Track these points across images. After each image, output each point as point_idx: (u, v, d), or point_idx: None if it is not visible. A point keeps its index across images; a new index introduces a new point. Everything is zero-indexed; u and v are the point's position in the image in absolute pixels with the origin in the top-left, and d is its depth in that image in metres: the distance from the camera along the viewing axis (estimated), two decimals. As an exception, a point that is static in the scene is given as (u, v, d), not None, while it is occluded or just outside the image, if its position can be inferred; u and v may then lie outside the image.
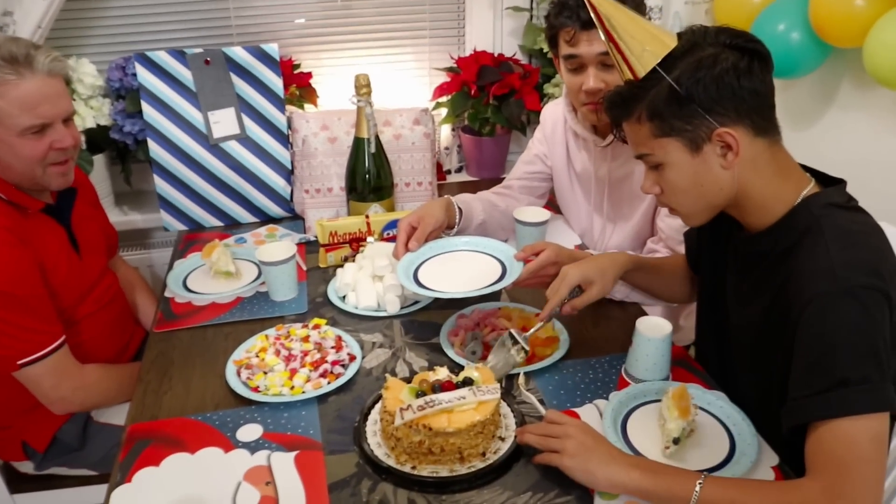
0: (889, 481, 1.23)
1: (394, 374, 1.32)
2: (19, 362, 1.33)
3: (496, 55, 2.31)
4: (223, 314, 1.51)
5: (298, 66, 2.28)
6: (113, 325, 1.60)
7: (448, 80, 2.30)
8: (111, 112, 2.07)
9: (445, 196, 1.62)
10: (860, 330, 0.95)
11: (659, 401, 1.16)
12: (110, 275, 1.64)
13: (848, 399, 0.94)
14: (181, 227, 1.96)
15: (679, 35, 1.06)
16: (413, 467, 1.08)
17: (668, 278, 1.43)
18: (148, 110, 1.89)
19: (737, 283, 1.21)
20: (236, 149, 1.93)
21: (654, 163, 1.09)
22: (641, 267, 1.37)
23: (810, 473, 0.96)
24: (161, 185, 1.92)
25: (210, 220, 1.96)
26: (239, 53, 1.93)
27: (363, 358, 1.36)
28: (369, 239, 1.67)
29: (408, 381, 1.15)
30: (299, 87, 2.21)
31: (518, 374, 1.22)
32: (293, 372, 1.28)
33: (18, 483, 1.57)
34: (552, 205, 1.89)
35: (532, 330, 1.27)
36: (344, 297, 1.55)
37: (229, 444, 1.15)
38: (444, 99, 2.31)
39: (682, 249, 1.49)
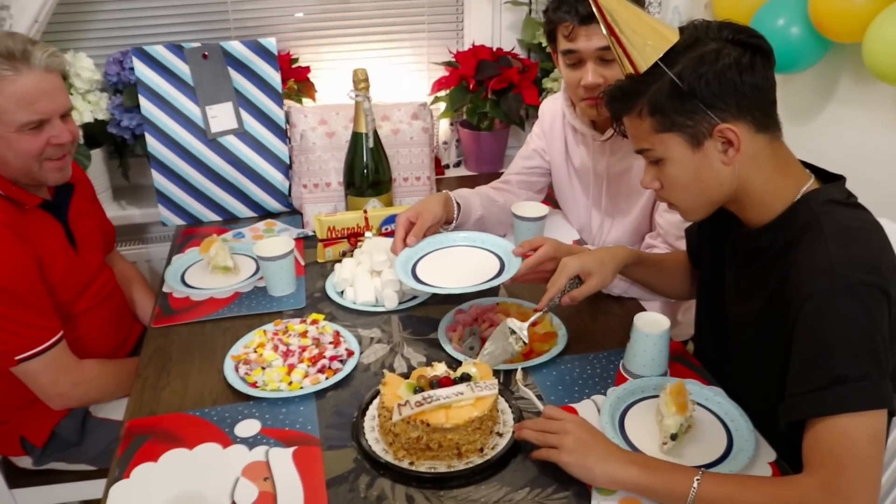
0: (886, 476, 1.23)
1: (392, 369, 1.32)
2: (17, 358, 1.33)
3: (495, 49, 2.31)
4: (221, 309, 1.51)
5: (296, 60, 2.27)
6: (111, 321, 1.60)
7: (446, 74, 2.30)
8: (109, 107, 2.07)
9: (444, 191, 1.61)
10: (859, 327, 0.95)
11: (657, 396, 1.17)
12: (108, 270, 1.63)
13: (846, 396, 0.94)
14: (179, 221, 1.95)
15: (681, 29, 1.06)
16: (411, 463, 1.08)
17: (668, 274, 1.43)
18: (145, 105, 1.89)
19: (736, 279, 1.21)
20: (234, 143, 1.93)
21: (654, 158, 1.09)
22: (641, 262, 1.37)
23: (807, 470, 0.96)
24: (159, 180, 1.91)
25: (208, 215, 1.96)
26: (237, 48, 1.93)
27: (361, 353, 1.36)
28: (367, 234, 1.67)
29: (406, 376, 1.15)
30: (297, 82, 2.21)
31: (516, 369, 1.23)
32: (291, 367, 1.28)
33: (17, 478, 1.57)
34: (550, 200, 1.89)
35: (530, 319, 1.27)
36: (342, 292, 1.55)
37: (227, 439, 1.15)
38: (442, 93, 2.31)
39: (680, 244, 1.50)
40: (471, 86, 2.24)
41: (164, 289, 1.60)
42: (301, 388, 1.25)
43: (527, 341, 1.25)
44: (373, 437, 1.14)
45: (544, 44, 2.16)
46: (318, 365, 1.29)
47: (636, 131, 1.10)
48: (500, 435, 1.13)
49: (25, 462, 1.56)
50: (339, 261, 1.63)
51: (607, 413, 1.15)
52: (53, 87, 1.37)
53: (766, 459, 1.08)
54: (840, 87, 1.79)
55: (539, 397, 1.20)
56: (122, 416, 1.23)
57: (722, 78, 1.00)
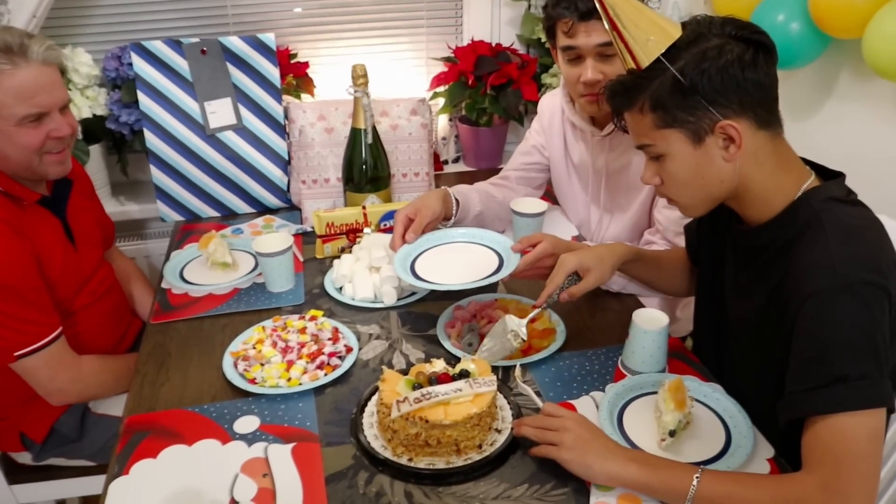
0: (884, 473, 1.23)
1: (390, 365, 1.32)
2: (16, 354, 1.33)
3: (494, 45, 2.31)
4: (220, 305, 1.51)
5: (295, 55, 2.27)
6: (110, 317, 1.60)
7: (445, 70, 2.29)
8: (107, 102, 2.06)
9: (442, 187, 1.61)
10: (859, 326, 0.95)
11: (655, 393, 1.17)
12: (106, 266, 1.63)
13: (845, 395, 0.94)
14: (178, 217, 1.95)
15: (683, 25, 1.05)
16: (410, 459, 1.08)
17: (667, 271, 1.42)
18: (144, 100, 1.88)
19: (735, 276, 1.21)
20: (233, 139, 1.92)
21: (655, 153, 1.09)
22: (640, 258, 1.37)
23: (806, 468, 0.96)
24: (157, 176, 1.91)
25: (207, 211, 1.96)
26: (235, 43, 1.92)
27: (360, 349, 1.36)
28: (366, 230, 1.67)
29: (404, 372, 1.15)
30: (296, 77, 2.20)
31: (515, 365, 1.23)
32: (290, 363, 1.28)
33: (16, 474, 1.57)
34: (549, 196, 1.89)
35: (529, 316, 1.27)
36: (341, 288, 1.55)
37: (226, 435, 1.15)
38: (441, 89, 2.31)
39: (679, 241, 1.49)
40: (470, 81, 2.23)
41: (163, 285, 1.60)
42: (300, 384, 1.25)
43: (525, 338, 1.25)
44: (371, 433, 1.14)
45: (543, 39, 2.15)
46: (317, 361, 1.29)
47: (637, 127, 1.09)
48: (499, 431, 1.13)
49: (25, 458, 1.56)
50: (338, 257, 1.62)
51: (606, 409, 1.16)
52: (51, 81, 1.37)
53: (764, 456, 1.08)
54: (840, 83, 1.79)
55: (538, 394, 1.20)
56: (122, 412, 1.23)
57: (724, 74, 0.99)
